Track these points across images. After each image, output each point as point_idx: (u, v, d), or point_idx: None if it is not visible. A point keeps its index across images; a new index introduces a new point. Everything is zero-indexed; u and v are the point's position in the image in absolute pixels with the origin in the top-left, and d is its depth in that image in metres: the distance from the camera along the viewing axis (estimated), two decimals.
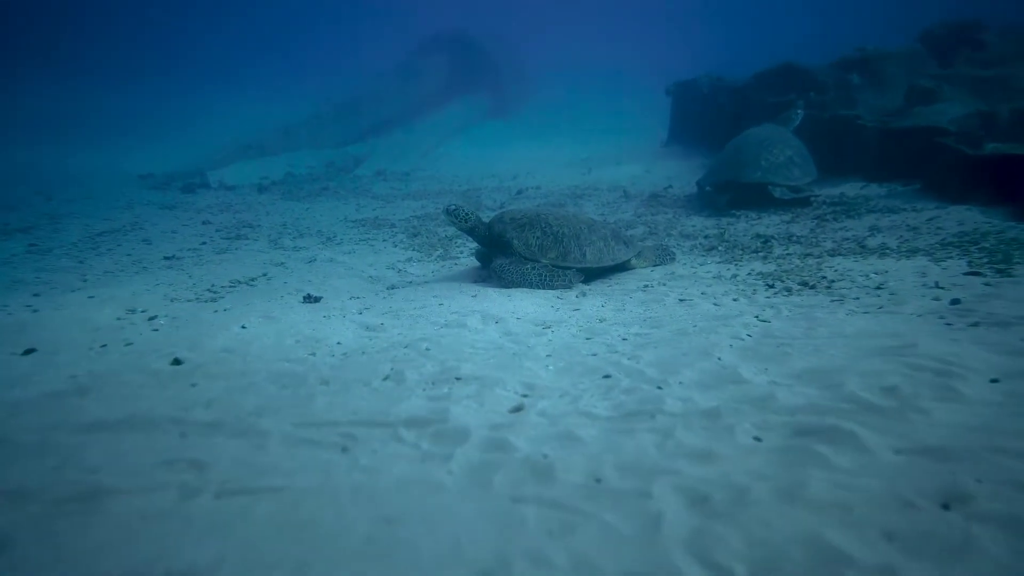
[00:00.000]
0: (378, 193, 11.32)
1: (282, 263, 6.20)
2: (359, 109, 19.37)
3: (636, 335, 3.30)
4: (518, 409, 2.34)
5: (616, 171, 12.25)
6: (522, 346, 3.17)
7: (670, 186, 9.85)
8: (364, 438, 2.15)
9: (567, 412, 2.29)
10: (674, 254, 5.63)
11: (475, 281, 5.26)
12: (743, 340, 2.96)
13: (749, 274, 4.79)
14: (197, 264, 6.10)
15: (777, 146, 7.37)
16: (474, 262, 5.98)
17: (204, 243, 7.19)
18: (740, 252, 5.63)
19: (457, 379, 2.66)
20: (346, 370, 2.85)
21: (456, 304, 4.29)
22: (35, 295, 4.73)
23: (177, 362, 2.95)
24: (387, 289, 5.10)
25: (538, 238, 4.96)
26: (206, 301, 4.68)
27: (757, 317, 3.37)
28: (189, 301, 4.68)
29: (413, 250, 6.76)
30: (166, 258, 6.35)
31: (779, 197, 7.12)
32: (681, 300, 4.09)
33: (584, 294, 4.64)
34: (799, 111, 8.17)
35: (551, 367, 2.81)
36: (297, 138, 16.94)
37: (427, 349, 3.15)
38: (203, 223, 8.46)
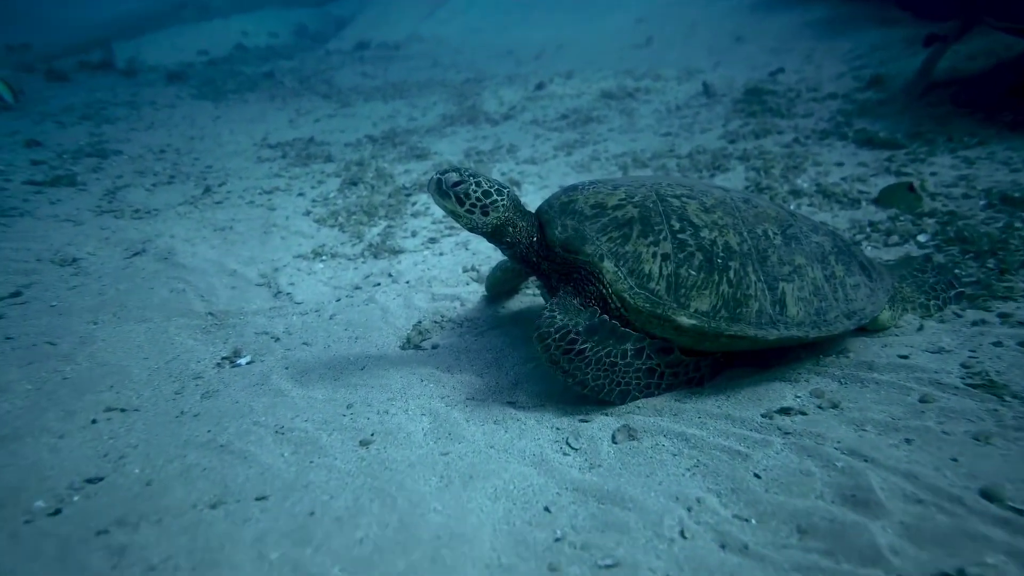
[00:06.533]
0: (340, 84, 8.27)
1: (76, 259, 3.60)
2: None
3: None
4: None
5: (689, 44, 8.70)
6: None
7: (780, 69, 6.45)
8: None
9: None
10: (959, 290, 2.62)
11: (415, 347, 2.60)
12: None
13: None
14: None
15: None
16: (427, 270, 3.28)
17: None
18: (992, 277, 2.72)
19: None
20: None
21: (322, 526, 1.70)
22: None
23: None
24: (216, 367, 2.54)
25: (665, 257, 2.08)
26: None
27: None
28: None
29: (334, 224, 4.02)
30: None
31: None
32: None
33: (632, 436, 1.93)
34: None
35: None
36: None
37: None
38: (26, 144, 5.74)
